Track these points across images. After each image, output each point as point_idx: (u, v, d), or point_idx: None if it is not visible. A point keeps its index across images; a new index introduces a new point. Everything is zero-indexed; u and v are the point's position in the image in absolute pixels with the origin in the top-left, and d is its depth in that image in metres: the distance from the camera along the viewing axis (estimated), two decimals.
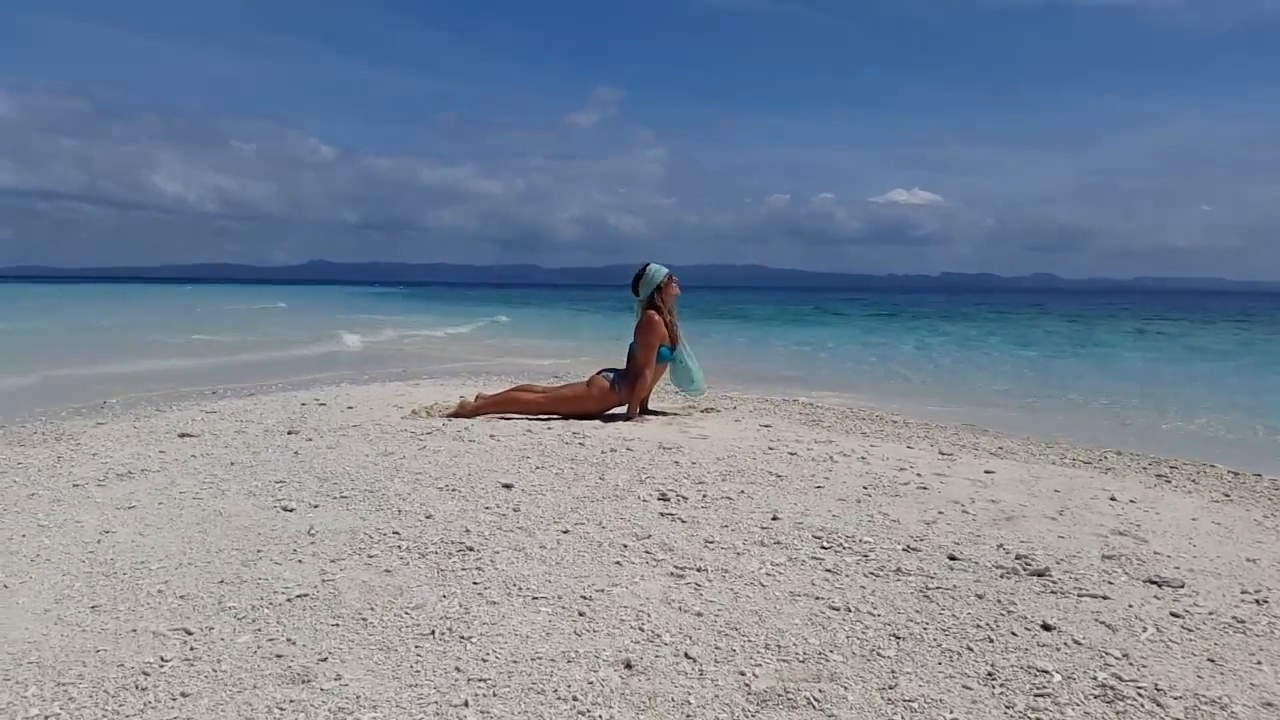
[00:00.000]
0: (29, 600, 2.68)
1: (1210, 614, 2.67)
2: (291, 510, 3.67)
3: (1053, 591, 2.85)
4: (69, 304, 35.77)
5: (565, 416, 6.40)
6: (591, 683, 2.16)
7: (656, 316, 6.44)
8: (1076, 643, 2.43)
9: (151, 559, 3.05)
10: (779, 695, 2.10)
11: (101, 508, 3.71)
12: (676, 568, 3.03)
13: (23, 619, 2.54)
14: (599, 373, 6.52)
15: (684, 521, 3.60)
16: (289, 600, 2.67)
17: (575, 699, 2.08)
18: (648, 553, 3.18)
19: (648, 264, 6.60)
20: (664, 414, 6.63)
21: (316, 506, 3.74)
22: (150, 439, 5.35)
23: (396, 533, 3.37)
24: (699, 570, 3.00)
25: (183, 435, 5.45)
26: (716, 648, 2.37)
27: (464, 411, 6.40)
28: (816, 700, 2.08)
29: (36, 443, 5.28)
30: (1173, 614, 2.66)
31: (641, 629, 2.49)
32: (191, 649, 2.33)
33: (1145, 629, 2.54)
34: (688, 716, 2.02)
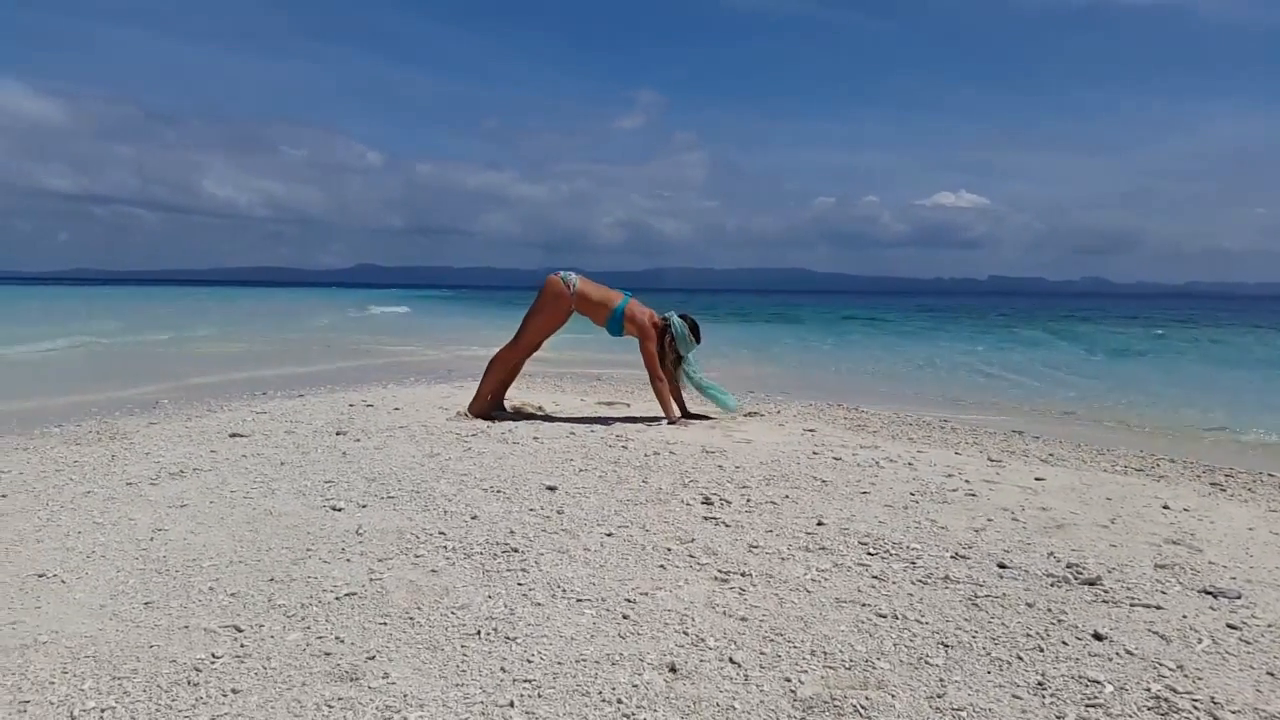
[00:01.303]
0: (85, 595, 2.74)
1: (1269, 626, 2.61)
2: (340, 510, 3.72)
3: (1104, 601, 2.80)
4: (168, 307, 34.96)
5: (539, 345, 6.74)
6: (636, 686, 2.16)
7: (653, 326, 6.53)
8: (1129, 653, 2.39)
9: (203, 556, 3.11)
10: (825, 702, 2.08)
11: (154, 506, 3.79)
12: (720, 572, 3.01)
13: (79, 614, 2.59)
14: (557, 273, 6.63)
15: (728, 526, 3.59)
16: (337, 599, 2.70)
17: (620, 702, 2.08)
18: (691, 556, 3.18)
19: (697, 340, 6.67)
20: (707, 418, 6.62)
21: (364, 506, 3.78)
22: (202, 439, 5.44)
23: (442, 533, 3.39)
24: (743, 575, 2.99)
25: (233, 435, 5.54)
26: (761, 653, 2.36)
27: (480, 410, 6.52)
28: (863, 708, 2.06)
29: (91, 441, 5.39)
30: (1229, 625, 2.60)
31: (685, 633, 2.49)
32: (242, 646, 2.37)
33: (1200, 640, 2.49)
34: None
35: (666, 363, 6.59)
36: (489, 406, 6.60)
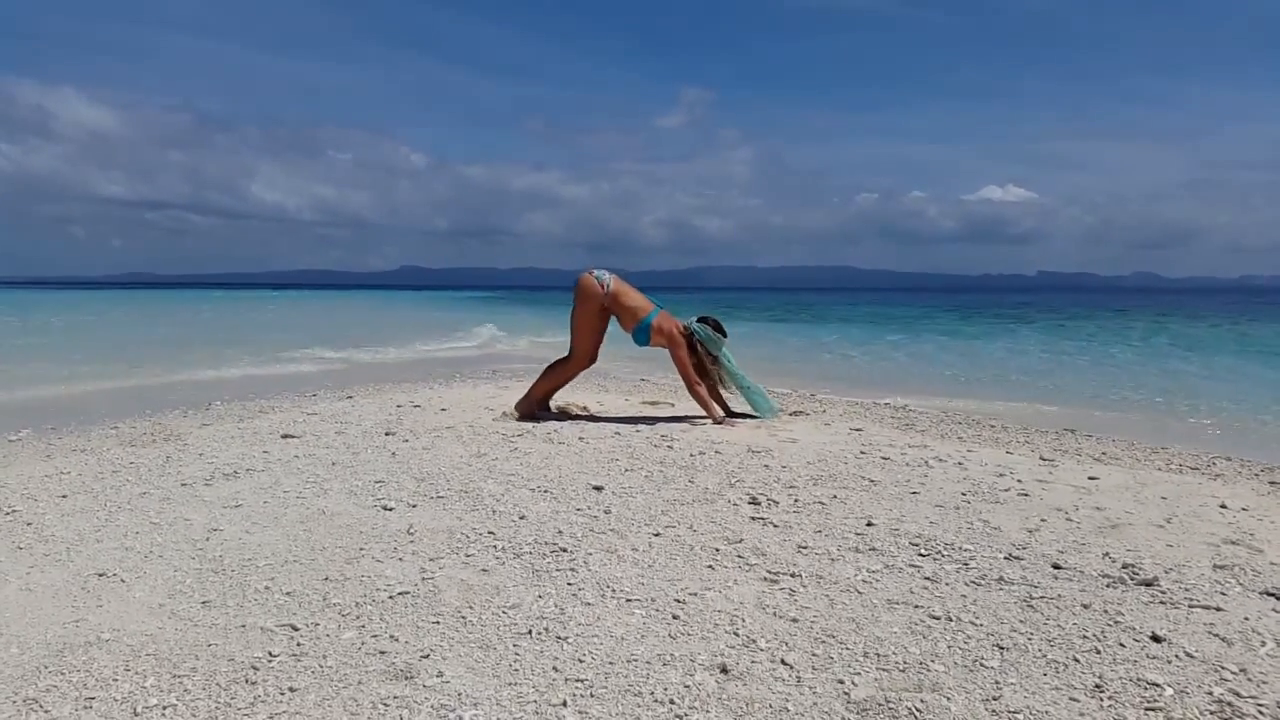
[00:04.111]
0: (144, 595, 2.80)
1: None
2: (391, 509, 3.76)
3: (1162, 602, 2.74)
4: (329, 319, 32.58)
5: (593, 357, 6.72)
6: (688, 686, 2.16)
7: (682, 335, 6.53)
8: (1189, 655, 2.34)
9: (258, 556, 3.16)
10: (879, 704, 2.07)
11: (209, 506, 3.85)
12: (770, 573, 3.00)
13: (139, 613, 2.65)
14: (590, 271, 6.63)
15: (776, 526, 3.57)
16: (391, 598, 2.73)
17: (672, 702, 2.08)
18: (740, 557, 3.17)
19: (724, 335, 6.67)
20: (751, 417, 6.59)
21: (415, 506, 3.82)
22: (254, 440, 5.53)
23: (492, 533, 3.42)
24: (793, 576, 2.97)
25: (285, 436, 5.62)
26: (814, 654, 2.35)
27: (527, 411, 6.59)
28: (918, 710, 2.04)
29: (146, 443, 5.50)
30: None
31: (736, 634, 2.48)
32: (298, 644, 2.40)
33: (1264, 643, 2.43)
34: None
35: (706, 366, 6.62)
36: (535, 407, 6.65)
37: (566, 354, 6.73)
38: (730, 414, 6.57)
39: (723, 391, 6.78)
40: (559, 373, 6.70)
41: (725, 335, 6.68)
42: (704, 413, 6.45)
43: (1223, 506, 4.02)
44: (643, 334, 6.52)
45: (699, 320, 6.67)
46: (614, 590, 2.81)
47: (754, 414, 6.64)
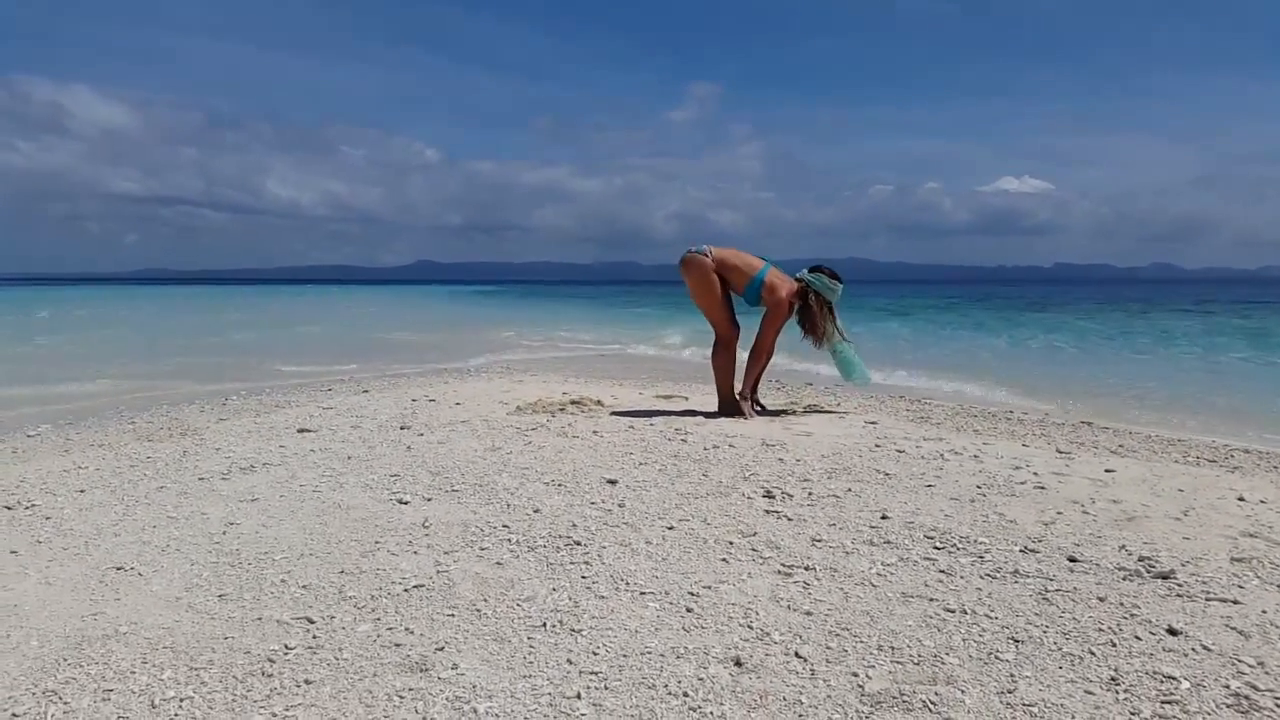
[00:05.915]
0: (161, 588, 2.82)
1: None
2: (406, 503, 3.77)
3: (1178, 595, 2.73)
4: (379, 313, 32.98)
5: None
6: (702, 679, 2.16)
7: (789, 302, 6.38)
8: (1206, 649, 2.32)
9: (274, 549, 3.18)
10: (894, 697, 2.06)
11: (226, 500, 3.88)
12: (784, 566, 3.00)
13: (156, 605, 2.67)
14: (689, 251, 6.50)
15: (790, 519, 3.57)
16: (406, 590, 2.75)
17: (686, 695, 2.08)
18: (754, 550, 3.17)
19: (840, 281, 6.50)
20: (766, 410, 6.58)
21: (429, 500, 3.83)
22: (270, 434, 5.56)
23: (506, 526, 3.43)
24: (807, 569, 2.97)
25: (301, 430, 5.65)
26: (828, 648, 2.35)
27: (732, 409, 6.43)
28: (933, 703, 2.03)
29: (163, 438, 5.54)
30: None
31: (750, 627, 2.48)
32: (314, 637, 2.42)
33: None
34: (800, 716, 1.99)
35: (817, 322, 6.43)
36: (739, 401, 6.45)
37: (714, 340, 6.60)
38: (755, 400, 6.54)
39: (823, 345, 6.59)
40: (723, 360, 6.54)
41: (842, 282, 6.49)
42: (713, 408, 6.43)
43: (1240, 499, 3.98)
44: (754, 291, 6.37)
45: (811, 270, 6.51)
46: (628, 583, 2.81)
47: (770, 411, 6.62)
